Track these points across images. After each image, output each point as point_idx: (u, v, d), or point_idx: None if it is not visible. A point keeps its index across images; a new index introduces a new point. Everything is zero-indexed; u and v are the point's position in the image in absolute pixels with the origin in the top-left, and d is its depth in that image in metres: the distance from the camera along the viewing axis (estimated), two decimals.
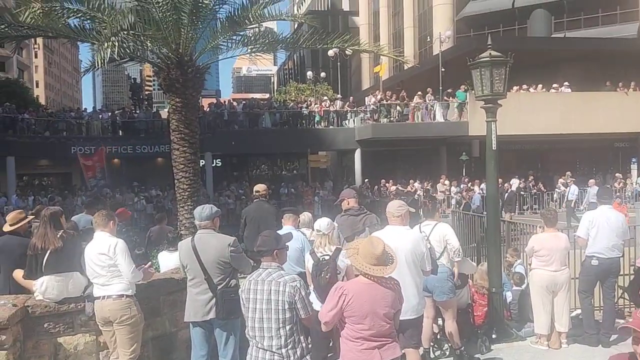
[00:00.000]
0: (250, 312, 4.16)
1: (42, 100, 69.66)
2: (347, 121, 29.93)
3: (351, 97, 33.52)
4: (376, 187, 26.58)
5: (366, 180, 27.40)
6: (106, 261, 5.12)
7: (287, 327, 4.06)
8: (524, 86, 28.11)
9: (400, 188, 26.41)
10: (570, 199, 22.26)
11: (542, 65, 29.77)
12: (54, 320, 5.26)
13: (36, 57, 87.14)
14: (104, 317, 5.16)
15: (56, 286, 5.21)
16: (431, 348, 6.56)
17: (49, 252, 5.21)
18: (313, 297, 5.32)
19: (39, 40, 78.02)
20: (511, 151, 29.34)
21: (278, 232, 5.01)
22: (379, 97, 29.03)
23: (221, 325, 5.14)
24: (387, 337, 3.97)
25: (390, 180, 27.10)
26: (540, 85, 28.33)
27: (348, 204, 6.78)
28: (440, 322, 6.79)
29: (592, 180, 22.03)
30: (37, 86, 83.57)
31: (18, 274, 5.55)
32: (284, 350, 4.05)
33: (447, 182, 26.29)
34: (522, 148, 30.56)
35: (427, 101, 28.12)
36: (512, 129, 23.08)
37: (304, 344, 4.15)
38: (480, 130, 7.32)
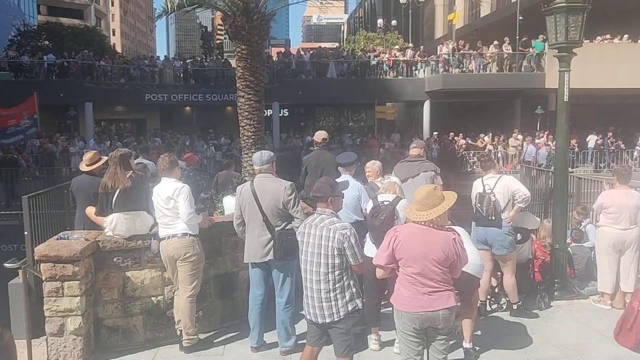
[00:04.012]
0: (302, 255, 4.29)
1: (118, 48, 71.93)
2: (416, 71, 29.19)
3: (422, 47, 32.58)
4: (444, 140, 26.00)
5: (435, 133, 26.86)
6: (172, 203, 5.37)
7: (336, 272, 4.15)
8: (608, 36, 26.33)
9: (470, 142, 25.80)
10: None
11: (628, 13, 27.72)
12: (122, 255, 5.59)
13: (112, 5, 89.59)
14: (168, 255, 5.43)
15: (124, 223, 5.52)
16: (488, 301, 6.53)
17: (118, 191, 5.49)
18: (369, 242, 5.38)
19: None
20: (591, 105, 27.87)
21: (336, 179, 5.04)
22: (451, 46, 28.06)
23: (278, 266, 5.31)
24: (440, 284, 3.93)
25: (460, 134, 26.45)
26: (626, 36, 26.45)
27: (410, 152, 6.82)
28: (499, 275, 6.72)
29: None
30: (113, 34, 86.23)
31: (90, 210, 5.90)
32: (332, 294, 4.15)
33: (519, 136, 25.37)
34: (603, 102, 28.92)
35: (504, 51, 26.93)
36: (593, 82, 21.86)
37: (353, 290, 4.22)
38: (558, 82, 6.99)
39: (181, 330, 5.57)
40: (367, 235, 5.42)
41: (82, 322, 5.26)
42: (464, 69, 27.26)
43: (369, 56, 29.73)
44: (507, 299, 6.53)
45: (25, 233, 6.10)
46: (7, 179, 18.39)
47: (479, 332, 5.79)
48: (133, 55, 58.79)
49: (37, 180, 18.77)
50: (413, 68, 29.26)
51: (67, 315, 5.23)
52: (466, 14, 40.88)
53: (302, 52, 31.89)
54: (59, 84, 26.36)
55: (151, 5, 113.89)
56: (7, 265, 5.92)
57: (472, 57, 27.29)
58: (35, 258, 5.45)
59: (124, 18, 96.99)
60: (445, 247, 3.88)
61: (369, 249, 5.19)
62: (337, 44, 68.59)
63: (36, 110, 20.04)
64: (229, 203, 7.54)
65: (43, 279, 5.27)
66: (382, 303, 5.69)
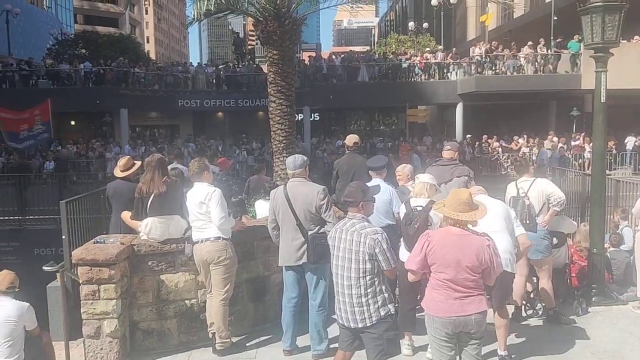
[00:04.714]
0: (334, 259, 4.28)
1: (152, 55, 73.22)
2: (449, 74, 28.94)
3: (454, 49, 32.28)
4: (478, 143, 25.72)
5: (468, 136, 26.55)
6: (204, 208, 5.43)
7: (368, 278, 4.12)
8: None
9: (504, 144, 25.43)
10: None
11: None
12: (157, 259, 5.68)
13: (147, 13, 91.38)
14: (201, 258, 5.50)
15: (159, 227, 5.60)
16: (523, 307, 6.40)
17: (153, 195, 5.57)
18: (403, 247, 5.34)
19: None
20: (629, 106, 27.13)
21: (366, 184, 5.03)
22: (484, 48, 27.73)
23: (312, 270, 5.34)
24: (472, 289, 3.90)
25: (494, 137, 26.09)
26: None
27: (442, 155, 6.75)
28: (535, 281, 6.59)
29: None
30: (147, 41, 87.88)
31: (126, 215, 6.01)
32: (363, 299, 4.12)
33: (555, 138, 24.89)
34: None
35: (538, 52, 26.49)
36: (631, 82, 21.30)
37: (386, 295, 4.19)
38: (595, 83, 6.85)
39: (214, 333, 5.62)
40: (401, 239, 5.38)
41: (118, 324, 5.36)
42: (498, 71, 26.90)
43: (400, 59, 29.60)
44: (543, 304, 6.40)
45: (63, 237, 6.25)
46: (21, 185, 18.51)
47: (514, 339, 5.69)
48: (167, 62, 59.77)
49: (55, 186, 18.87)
50: (445, 70, 29.01)
51: (104, 318, 5.34)
52: (499, 15, 40.34)
53: (333, 57, 31.93)
54: (95, 91, 27.01)
55: (184, 12, 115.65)
56: (45, 268, 6.07)
57: (505, 59, 26.91)
58: (73, 261, 5.58)
59: (158, 25, 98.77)
60: (480, 253, 3.85)
61: (404, 254, 5.15)
62: (368, 48, 68.48)
63: (49, 116, 20.22)
64: (261, 207, 7.59)
65: (80, 282, 5.39)
66: (417, 307, 5.64)
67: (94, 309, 5.33)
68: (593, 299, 6.80)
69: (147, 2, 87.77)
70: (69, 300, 6.00)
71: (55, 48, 41.91)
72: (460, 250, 3.84)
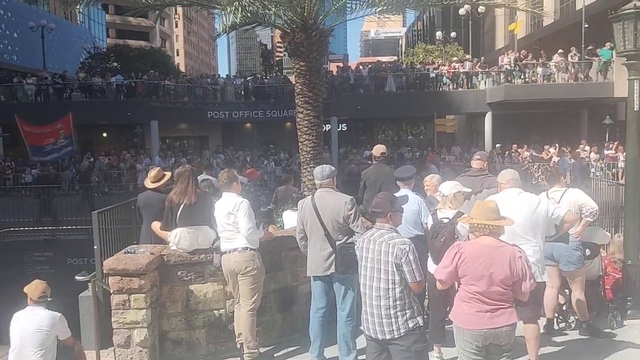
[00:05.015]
0: (362, 270, 4.26)
1: (182, 68, 74.33)
2: (477, 83, 28.71)
3: (482, 58, 32.02)
4: (507, 152, 25.40)
5: (497, 145, 26.25)
6: (232, 218, 5.47)
7: (397, 289, 4.08)
8: None
9: (534, 154, 25.06)
10: None
11: None
12: (186, 269, 5.74)
13: (177, 27, 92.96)
14: (229, 269, 5.53)
15: (188, 237, 5.67)
16: (555, 319, 6.27)
17: (183, 205, 5.65)
18: (430, 261, 5.29)
19: (179, 10, 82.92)
20: None
21: (394, 194, 5.01)
22: (513, 56, 27.44)
23: (340, 280, 5.32)
24: (503, 302, 3.86)
25: (524, 146, 25.73)
26: None
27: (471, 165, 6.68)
28: (567, 293, 6.45)
29: None
30: (177, 54, 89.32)
31: (156, 225, 6.10)
32: (392, 311, 4.08)
33: (587, 147, 24.43)
34: None
35: (568, 60, 26.10)
36: None
37: (414, 306, 4.14)
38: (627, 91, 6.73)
39: (242, 343, 5.64)
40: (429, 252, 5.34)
41: (148, 334, 5.42)
42: (527, 80, 26.57)
43: (428, 69, 29.48)
44: (576, 317, 6.26)
45: (95, 247, 6.35)
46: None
47: (545, 352, 5.57)
48: (196, 74, 60.61)
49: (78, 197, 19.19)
50: (473, 79, 28.80)
51: (134, 327, 5.40)
52: (528, 24, 39.93)
53: (361, 67, 31.99)
54: (127, 104, 27.55)
55: (213, 25, 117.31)
56: (77, 278, 6.19)
57: (535, 67, 26.58)
58: (104, 271, 5.67)
59: (188, 38, 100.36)
60: (512, 264, 3.83)
61: (432, 266, 5.11)
62: (395, 58, 68.41)
63: (72, 129, 20.66)
64: (289, 218, 7.61)
65: (111, 291, 5.47)
66: (446, 319, 5.58)
67: (125, 318, 5.40)
68: (628, 312, 6.62)
69: (177, 16, 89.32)
70: (100, 309, 6.10)
71: (88, 62, 42.91)
72: (493, 262, 3.81)
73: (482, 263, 3.82)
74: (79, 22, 61.23)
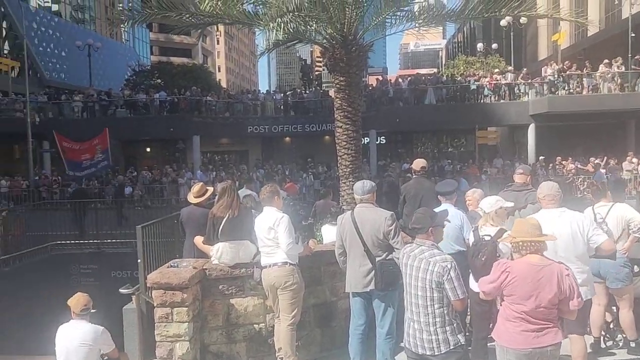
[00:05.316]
0: (404, 286, 4.21)
1: (223, 84, 75.66)
2: (520, 94, 28.24)
3: (525, 69, 31.51)
4: (551, 165, 24.82)
5: (541, 157, 25.69)
6: (272, 233, 5.51)
7: (436, 306, 4.02)
8: None
9: (579, 166, 24.41)
10: None
11: None
12: (227, 283, 5.80)
13: (218, 43, 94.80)
14: (269, 283, 5.56)
15: (229, 252, 5.73)
16: (602, 338, 6.05)
17: (224, 220, 5.72)
18: (472, 278, 5.20)
19: (221, 27, 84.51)
20: None
21: (434, 209, 4.96)
22: (557, 67, 26.91)
23: (380, 297, 5.26)
24: (549, 321, 3.77)
25: (569, 158, 25.10)
26: None
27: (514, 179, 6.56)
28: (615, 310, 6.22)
29: None
30: (219, 70, 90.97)
31: (198, 239, 6.19)
32: (432, 328, 4.03)
33: (634, 159, 23.65)
34: None
35: (614, 70, 25.43)
36: None
37: (455, 324, 4.07)
38: None
39: (282, 358, 5.64)
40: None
41: (190, 347, 5.48)
42: (572, 91, 26.00)
43: (469, 80, 29.19)
44: (624, 335, 6.02)
45: (139, 261, 6.47)
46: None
47: None
48: (237, 89, 61.62)
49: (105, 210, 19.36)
50: (516, 91, 28.35)
51: (176, 341, 5.47)
52: (572, 34, 39.14)
53: (400, 80, 31.92)
54: (170, 119, 28.22)
55: (253, 41, 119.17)
56: (122, 290, 6.32)
57: (580, 78, 25.99)
58: (148, 285, 5.77)
59: (229, 55, 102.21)
60: (560, 282, 3.75)
61: (474, 283, 5.01)
62: (435, 70, 68.04)
63: (108, 144, 21.10)
64: (327, 232, 7.60)
65: (154, 305, 5.56)
66: (488, 336, 5.46)
67: (167, 331, 5.48)
68: None
69: (218, 33, 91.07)
70: (144, 322, 6.20)
71: (133, 79, 44.12)
72: (540, 281, 3.73)
73: (530, 282, 3.74)
74: (124, 40, 63.19)
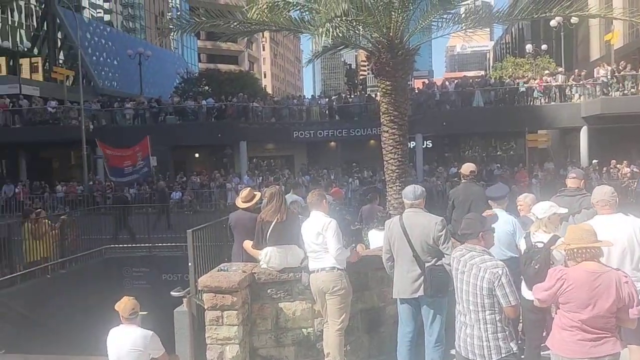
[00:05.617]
0: (455, 290, 4.16)
1: (269, 90, 76.58)
2: (571, 96, 27.48)
3: (576, 70, 30.64)
4: (605, 168, 24.02)
5: (594, 161, 24.90)
6: (320, 238, 5.52)
7: (487, 312, 3.95)
8: None
9: (635, 170, 23.54)
10: None
11: None
12: (275, 287, 5.84)
13: (264, 50, 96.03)
14: (317, 288, 5.57)
15: (277, 256, 5.78)
16: None
17: (273, 224, 5.77)
18: (524, 285, 5.08)
19: (266, 34, 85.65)
20: None
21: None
22: (610, 68, 26.07)
23: (428, 303, 5.19)
24: (606, 330, 3.65)
25: (624, 161, 24.24)
26: None
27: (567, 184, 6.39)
28: None
29: None
30: (264, 77, 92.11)
31: (247, 244, 6.26)
32: (483, 335, 3.96)
33: None
34: None
35: None
36: None
37: (507, 332, 3.99)
38: None
39: None
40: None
41: (239, 350, 5.55)
42: (626, 92, 25.12)
43: (518, 82, 28.60)
44: None
45: (190, 264, 6.60)
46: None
47: None
48: (282, 95, 62.15)
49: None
50: (567, 92, 27.61)
51: (226, 343, 5.55)
52: (625, 33, 37.87)
53: (447, 82, 31.57)
54: (217, 125, 28.73)
55: (299, 47, 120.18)
56: (173, 293, 6.46)
57: (635, 78, 25.09)
58: (199, 288, 5.87)
59: (274, 61, 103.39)
60: (618, 290, 3.63)
61: (526, 291, 4.90)
62: (482, 72, 66.95)
63: (149, 151, 21.50)
64: (374, 237, 7.58)
65: (205, 308, 5.65)
66: (542, 345, 5.32)
67: (217, 334, 5.56)
68: None
69: (264, 39, 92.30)
70: (194, 324, 6.31)
71: (181, 86, 45.09)
72: (598, 289, 3.62)
73: (587, 290, 3.63)
74: (173, 48, 64.82)
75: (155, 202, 21.61)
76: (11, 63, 43.09)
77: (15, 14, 45.51)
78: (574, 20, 31.64)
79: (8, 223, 12.87)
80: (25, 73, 40.90)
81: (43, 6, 46.82)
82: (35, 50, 46.05)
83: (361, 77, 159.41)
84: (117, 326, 5.33)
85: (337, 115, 30.33)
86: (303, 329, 5.91)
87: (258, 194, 7.17)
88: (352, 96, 34.94)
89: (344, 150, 31.53)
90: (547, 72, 31.27)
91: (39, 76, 42.86)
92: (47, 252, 12.52)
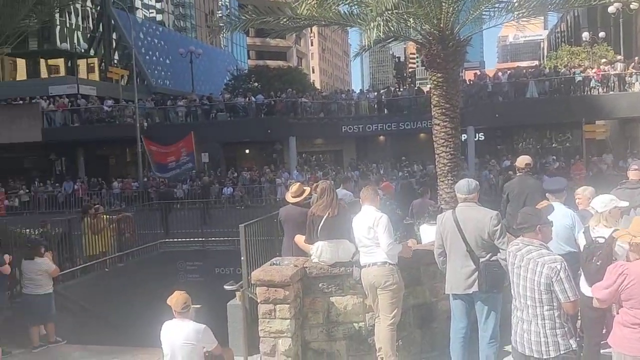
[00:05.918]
0: (512, 285, 4.07)
1: (317, 85, 76.73)
2: (631, 85, 26.36)
3: (636, 58, 29.37)
4: None
5: None
6: (372, 233, 5.51)
7: (545, 308, 3.84)
8: None
9: None
10: None
11: None
12: (327, 281, 5.87)
13: (312, 45, 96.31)
14: (369, 283, 5.56)
15: (329, 251, 5.80)
16: None
17: (324, 219, 5.80)
18: (583, 281, 4.92)
19: (314, 29, 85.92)
20: None
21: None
22: None
23: (483, 299, 5.08)
24: None
25: None
26: None
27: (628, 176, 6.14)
28: None
29: None
30: (313, 72, 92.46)
31: (299, 238, 6.30)
32: (541, 331, 3.85)
33: None
34: None
35: None
36: None
37: (565, 328, 3.87)
38: None
39: (382, 358, 5.61)
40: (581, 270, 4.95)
41: (292, 343, 5.60)
42: None
43: (574, 72, 27.65)
44: None
45: (242, 258, 6.70)
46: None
47: None
48: (330, 90, 62.23)
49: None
50: (627, 80, 26.50)
51: (279, 337, 5.61)
52: None
53: (499, 73, 30.85)
54: (267, 121, 29.04)
55: (346, 41, 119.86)
56: (226, 287, 6.57)
57: None
58: (252, 282, 5.96)
59: (322, 55, 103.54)
60: None
61: (585, 288, 4.73)
62: (536, 62, 65.09)
63: (194, 147, 21.82)
64: (425, 232, 7.48)
65: (258, 301, 5.73)
66: (602, 343, 5.14)
67: (270, 327, 5.63)
68: None
69: (312, 35, 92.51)
70: (247, 318, 6.41)
71: (232, 83, 45.81)
72: None
73: None
74: (222, 46, 65.82)
75: (200, 197, 22.02)
76: (69, 64, 44.84)
77: (73, 16, 47.25)
78: (633, 5, 30.31)
79: (68, 219, 13.32)
80: (82, 73, 42.49)
81: (98, 8, 48.42)
82: (92, 51, 47.77)
83: (410, 69, 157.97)
84: (171, 320, 5.42)
85: (386, 109, 30.09)
86: (354, 324, 5.92)
87: (307, 189, 7.20)
88: (401, 89, 34.61)
89: (393, 144, 31.29)
90: (604, 60, 30.10)
91: (95, 76, 44.42)
92: (105, 247, 12.91)
